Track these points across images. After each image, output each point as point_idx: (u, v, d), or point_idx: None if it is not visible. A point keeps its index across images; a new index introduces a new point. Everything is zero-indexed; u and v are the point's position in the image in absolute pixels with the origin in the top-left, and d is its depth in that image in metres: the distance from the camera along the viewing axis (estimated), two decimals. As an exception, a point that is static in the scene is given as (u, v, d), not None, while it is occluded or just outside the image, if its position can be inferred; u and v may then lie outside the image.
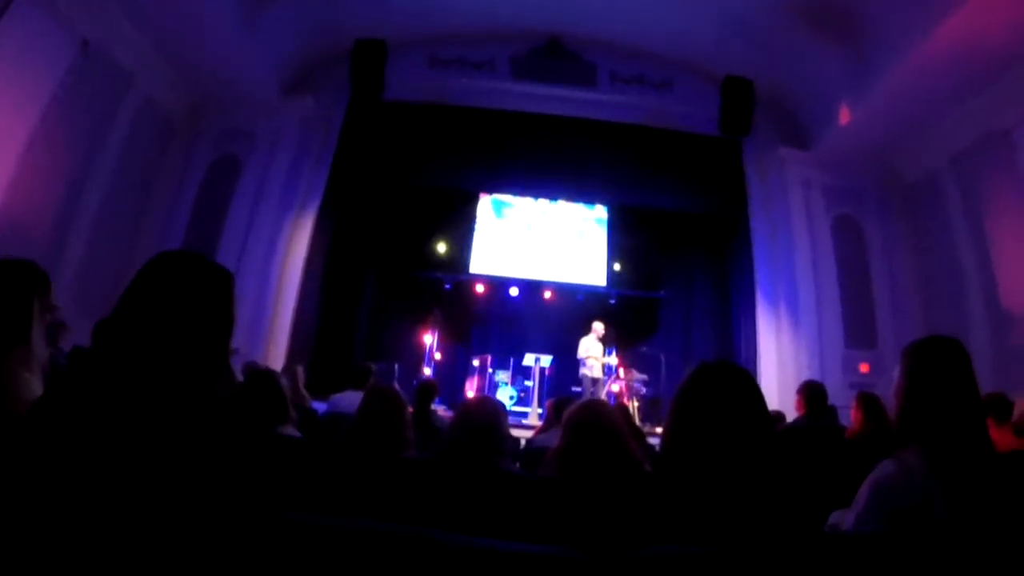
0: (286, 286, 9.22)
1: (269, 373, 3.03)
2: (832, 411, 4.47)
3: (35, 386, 1.56)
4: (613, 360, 9.94)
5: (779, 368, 9.03)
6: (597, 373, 9.16)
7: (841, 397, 6.27)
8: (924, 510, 1.42)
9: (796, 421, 4.34)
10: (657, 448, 2.82)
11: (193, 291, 1.15)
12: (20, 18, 6.49)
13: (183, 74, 9.05)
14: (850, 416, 3.78)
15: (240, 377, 3.61)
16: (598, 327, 9.29)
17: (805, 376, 7.16)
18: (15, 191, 6.82)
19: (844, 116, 8.72)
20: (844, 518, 1.73)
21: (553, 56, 10.17)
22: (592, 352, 9.13)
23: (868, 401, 3.59)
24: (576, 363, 9.31)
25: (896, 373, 1.69)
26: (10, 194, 6.77)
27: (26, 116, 6.89)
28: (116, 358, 1.07)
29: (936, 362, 1.62)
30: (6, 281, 1.65)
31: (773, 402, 7.13)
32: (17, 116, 6.79)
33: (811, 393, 4.29)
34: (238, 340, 1.31)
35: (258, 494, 1.12)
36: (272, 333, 8.93)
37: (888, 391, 1.83)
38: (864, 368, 8.90)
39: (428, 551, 0.97)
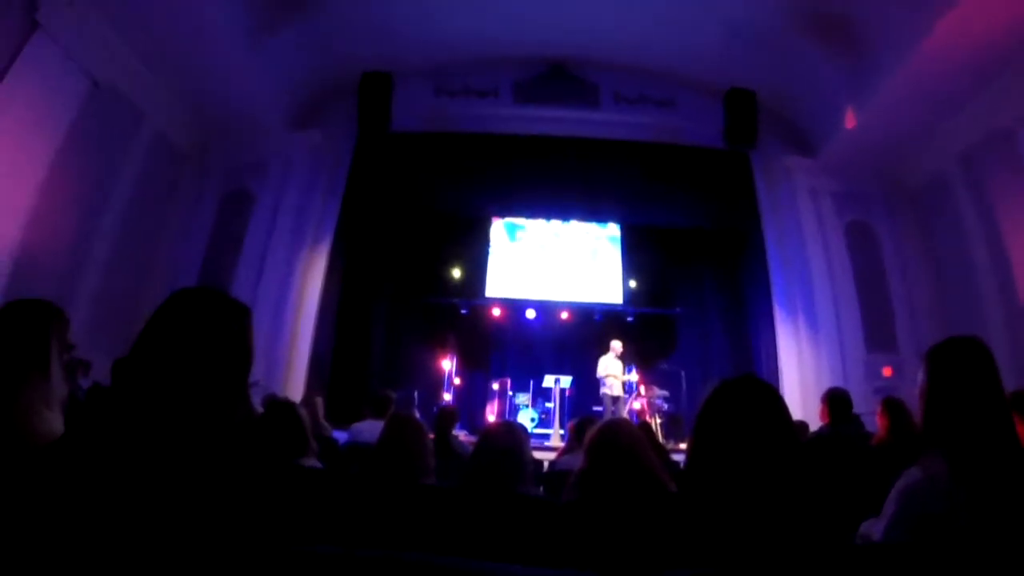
0: (303, 317, 9.28)
1: (289, 404, 3.03)
2: (856, 418, 4.38)
3: (54, 422, 1.58)
4: (633, 377, 9.88)
5: (801, 377, 8.92)
6: (617, 391, 9.09)
7: (866, 403, 6.17)
8: (950, 517, 1.39)
9: (821, 430, 4.26)
10: (681, 465, 2.78)
11: (211, 327, 1.15)
12: (33, 60, 6.68)
13: (192, 108, 9.22)
14: (876, 422, 3.70)
15: (260, 409, 3.62)
16: (616, 345, 9.25)
17: (828, 384, 7.06)
18: (31, 229, 6.96)
19: (849, 120, 8.69)
20: (874, 528, 1.69)
21: (556, 79, 10.27)
22: (611, 371, 9.07)
23: (893, 406, 3.51)
24: (597, 383, 9.25)
25: (919, 377, 1.66)
26: (27, 232, 6.91)
27: (41, 155, 7.05)
28: (136, 395, 1.08)
29: (958, 364, 1.59)
30: (24, 319, 1.68)
31: (797, 411, 7.04)
32: (32, 155, 6.95)
33: (835, 400, 4.20)
34: (257, 373, 1.31)
35: (279, 526, 1.12)
36: (290, 364, 8.97)
37: (913, 394, 1.79)
38: (887, 372, 8.78)
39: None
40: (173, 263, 9.44)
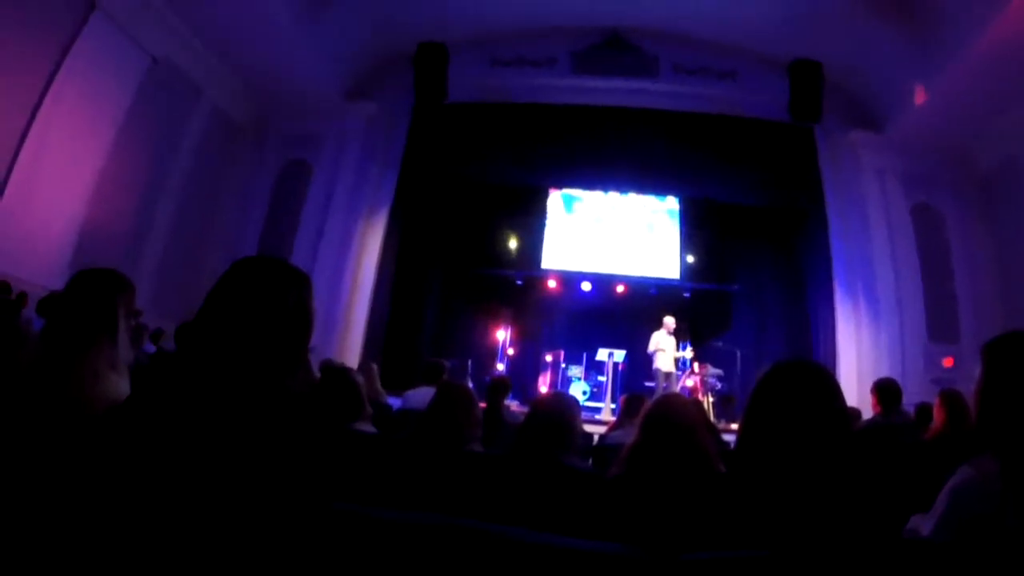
0: (359, 285, 9.49)
1: (344, 370, 3.11)
2: (924, 408, 4.23)
3: (121, 386, 1.66)
4: (688, 354, 9.74)
5: (859, 363, 8.68)
6: (669, 367, 8.99)
7: (924, 393, 5.95)
8: (998, 518, 1.33)
9: (874, 419, 4.13)
10: (732, 446, 2.75)
11: (272, 294, 1.18)
12: (92, 40, 6.92)
13: (248, 82, 9.42)
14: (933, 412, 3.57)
15: (317, 374, 3.73)
16: (669, 322, 9.13)
17: (886, 371, 6.86)
18: (95, 203, 7.30)
19: (919, 96, 8.26)
20: (923, 523, 1.64)
21: (613, 49, 10.04)
22: (663, 346, 8.97)
23: (951, 399, 3.37)
24: (650, 358, 9.17)
25: (977, 372, 1.59)
26: (91, 206, 7.26)
27: (103, 132, 7.35)
28: (199, 359, 1.13)
29: (1016, 360, 1.50)
30: (94, 287, 1.76)
31: (853, 398, 6.85)
32: (95, 132, 7.26)
33: (883, 391, 4.07)
34: (314, 339, 1.35)
35: (331, 487, 1.16)
36: (346, 331, 9.22)
37: (972, 387, 1.72)
38: (948, 363, 8.44)
39: (483, 544, 0.97)
40: (234, 233, 9.76)
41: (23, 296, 5.80)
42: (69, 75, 6.73)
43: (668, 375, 8.95)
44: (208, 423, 1.03)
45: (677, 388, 8.95)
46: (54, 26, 6.58)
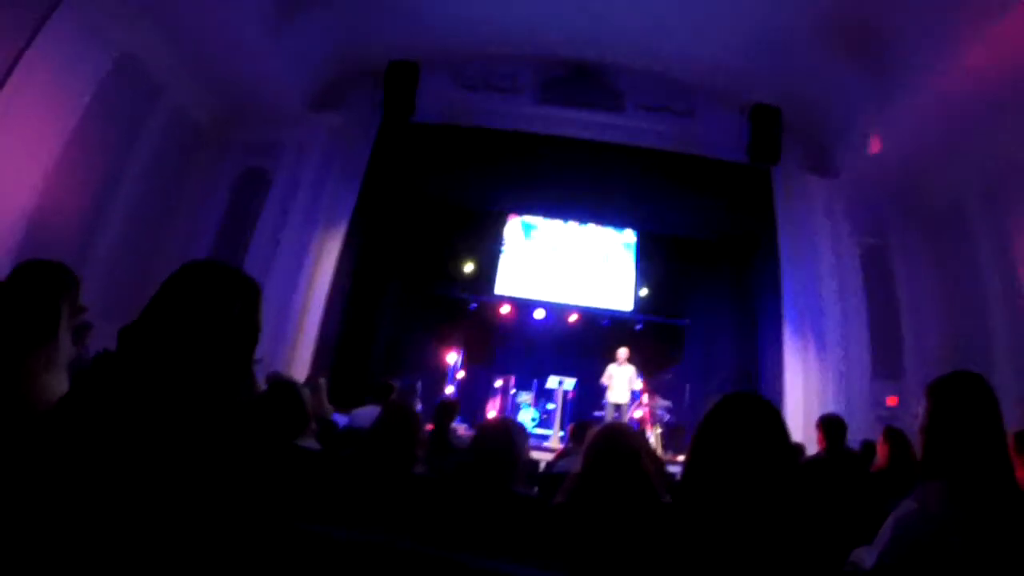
0: (312, 298, 9.32)
1: (291, 384, 3.05)
2: (868, 446, 4.35)
3: (57, 386, 1.57)
4: (638, 385, 9.85)
5: (805, 398, 8.83)
6: (619, 399, 9.08)
7: (868, 431, 6.12)
8: (943, 550, 1.38)
9: (817, 454, 4.24)
10: (677, 477, 2.78)
11: (219, 300, 1.16)
12: (56, 31, 6.72)
13: (211, 85, 9.23)
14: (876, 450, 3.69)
15: (263, 386, 3.65)
16: (621, 353, 9.24)
17: (831, 407, 7.02)
18: (48, 196, 7.04)
19: (874, 145, 8.61)
20: (866, 555, 1.68)
21: (580, 81, 10.20)
22: (615, 377, 9.06)
23: (894, 436, 3.50)
24: (600, 387, 9.24)
25: (920, 408, 1.66)
26: (43, 198, 7.00)
27: (60, 124, 7.12)
28: (139, 363, 1.09)
29: (959, 399, 1.58)
30: (36, 282, 1.67)
31: (798, 433, 6.98)
32: (52, 125, 7.02)
33: (829, 425, 4.18)
34: (262, 350, 1.31)
35: (270, 501, 1.13)
36: (296, 344, 9.02)
37: (914, 424, 1.79)
38: (891, 401, 8.68)
39: (425, 567, 0.96)
40: (187, 236, 9.49)
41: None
42: (31, 64, 6.52)
43: (618, 407, 9.03)
44: (144, 429, 0.99)
45: (626, 419, 9.03)
46: (19, 15, 6.38)
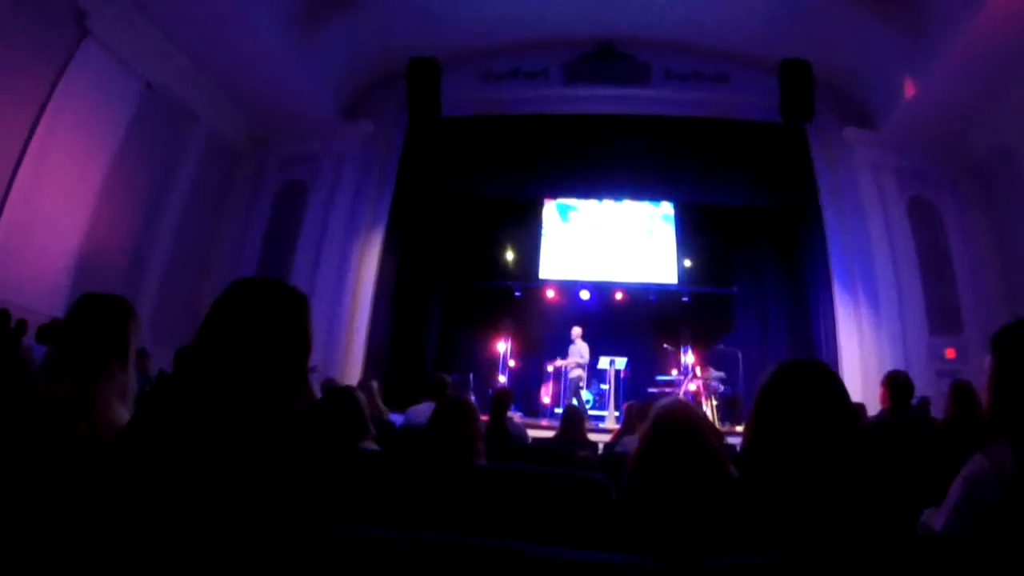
0: (359, 303, 9.48)
1: (347, 389, 3.09)
2: (924, 402, 4.19)
3: (129, 414, 1.62)
4: (690, 359, 9.74)
5: (862, 359, 8.66)
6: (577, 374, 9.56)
7: (929, 386, 5.93)
8: (1013, 509, 1.31)
9: (881, 414, 4.09)
10: (736, 449, 2.72)
11: (270, 315, 1.17)
12: (84, 66, 6.93)
13: (245, 105, 9.46)
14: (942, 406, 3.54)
15: (319, 394, 3.71)
16: (575, 331, 9.90)
17: (889, 366, 6.81)
18: (94, 229, 7.30)
19: (909, 89, 8.31)
20: (935, 517, 1.62)
21: (605, 59, 10.10)
22: (572, 356, 9.61)
23: (961, 391, 3.35)
24: (652, 364, 9.21)
25: (986, 362, 1.57)
26: (89, 232, 7.25)
27: (99, 158, 7.36)
28: (199, 382, 1.11)
29: None
30: (102, 313, 1.72)
31: (857, 394, 6.82)
32: (91, 159, 7.27)
33: (895, 384, 4.00)
34: (315, 359, 1.33)
35: (337, 508, 1.14)
36: (348, 350, 9.20)
37: (979, 377, 1.70)
38: (950, 354, 8.43)
39: (494, 561, 0.96)
40: (232, 255, 9.77)
41: (23, 323, 5.78)
42: (63, 101, 6.74)
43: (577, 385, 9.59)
44: (211, 447, 1.01)
45: (681, 393, 8.93)
46: (46, 53, 6.58)
